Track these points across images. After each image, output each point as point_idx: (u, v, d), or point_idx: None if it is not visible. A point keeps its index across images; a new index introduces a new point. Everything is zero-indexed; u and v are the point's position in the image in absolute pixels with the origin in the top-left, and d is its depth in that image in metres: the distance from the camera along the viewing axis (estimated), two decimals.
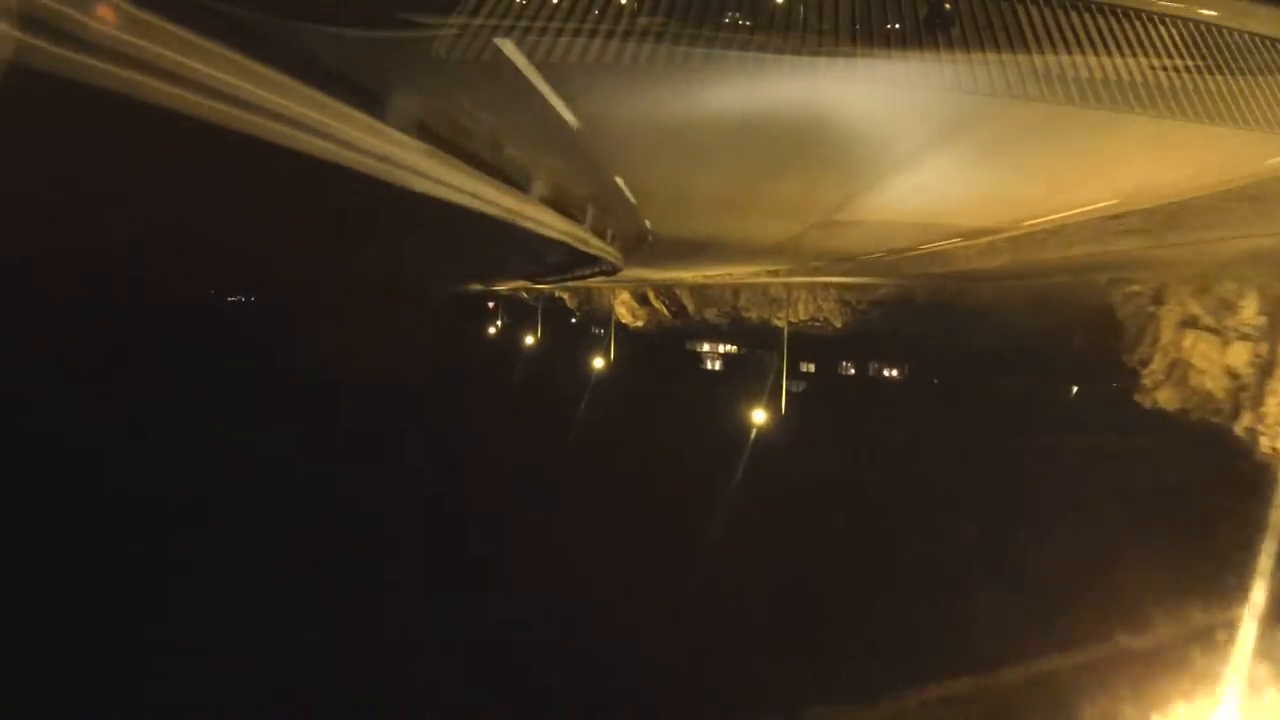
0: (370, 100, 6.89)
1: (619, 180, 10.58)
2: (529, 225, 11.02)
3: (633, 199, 11.53)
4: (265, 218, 11.73)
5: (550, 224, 11.55)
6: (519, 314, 50.70)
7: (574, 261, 18.51)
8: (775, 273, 22.18)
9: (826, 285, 28.98)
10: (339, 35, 5.85)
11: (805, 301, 31.42)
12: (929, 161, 8.82)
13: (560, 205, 11.46)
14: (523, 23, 5.65)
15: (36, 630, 12.84)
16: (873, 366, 33.86)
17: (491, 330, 52.27)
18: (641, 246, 16.47)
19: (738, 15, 5.87)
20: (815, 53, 5.96)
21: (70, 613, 13.77)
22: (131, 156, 7.09)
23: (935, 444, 22.02)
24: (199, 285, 25.30)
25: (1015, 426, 21.82)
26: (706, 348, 48.16)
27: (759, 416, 26.23)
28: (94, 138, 6.32)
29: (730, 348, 45.39)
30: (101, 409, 18.44)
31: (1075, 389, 21.87)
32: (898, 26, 5.99)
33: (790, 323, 34.48)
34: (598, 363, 39.67)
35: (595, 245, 14.79)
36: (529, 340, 47.34)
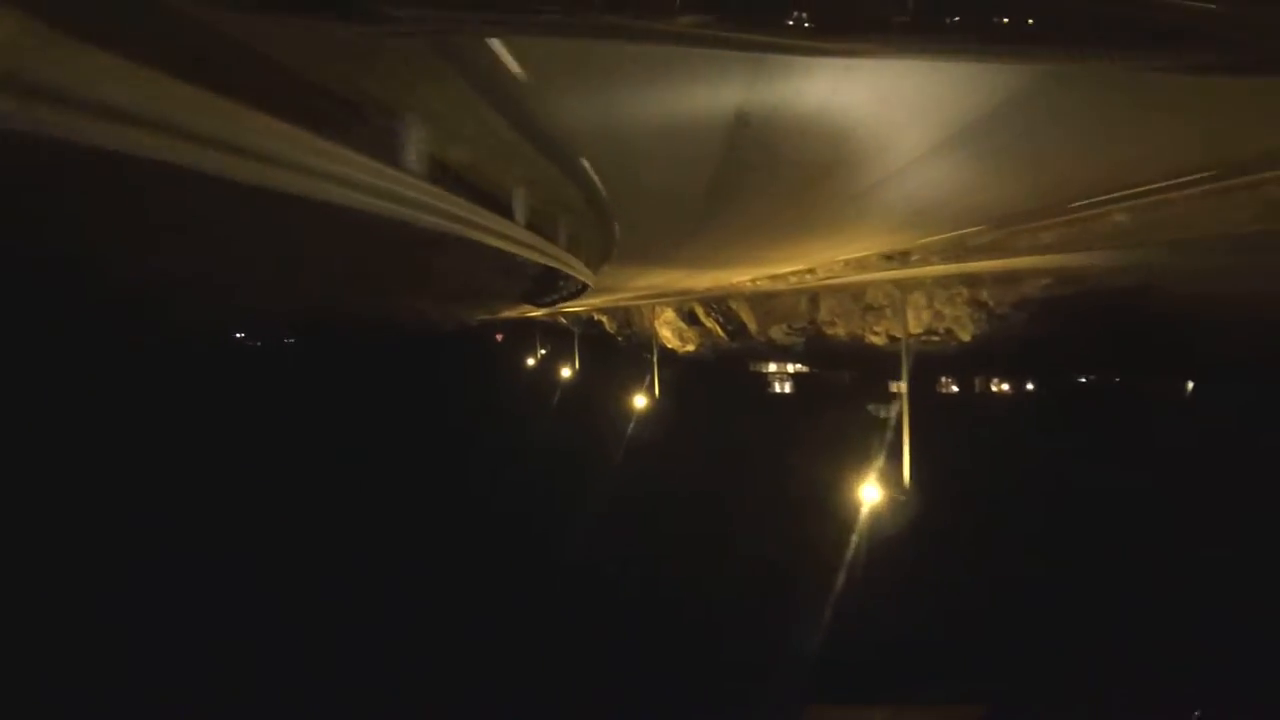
0: (343, 118, 5.82)
1: (589, 169, 8.61)
2: (500, 244, 9.11)
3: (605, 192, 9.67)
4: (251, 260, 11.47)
5: (519, 239, 9.49)
6: (559, 342, 49.28)
7: (556, 278, 15.40)
8: (902, 257, 12.27)
9: (958, 278, 18.59)
10: (313, 31, 4.75)
11: (918, 307, 21.28)
12: None
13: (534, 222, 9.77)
14: (526, 19, 4.37)
15: None
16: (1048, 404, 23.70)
17: (532, 361, 51.49)
18: (610, 252, 14.52)
19: (803, 16, 4.46)
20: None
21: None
22: (127, 210, 7.11)
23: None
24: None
25: None
26: (774, 371, 44.08)
27: (870, 495, 16.36)
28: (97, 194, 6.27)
29: (805, 373, 40.55)
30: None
31: None
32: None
33: (893, 338, 24.70)
34: (639, 401, 33.88)
35: (569, 261, 12.66)
36: (566, 373, 44.11)
